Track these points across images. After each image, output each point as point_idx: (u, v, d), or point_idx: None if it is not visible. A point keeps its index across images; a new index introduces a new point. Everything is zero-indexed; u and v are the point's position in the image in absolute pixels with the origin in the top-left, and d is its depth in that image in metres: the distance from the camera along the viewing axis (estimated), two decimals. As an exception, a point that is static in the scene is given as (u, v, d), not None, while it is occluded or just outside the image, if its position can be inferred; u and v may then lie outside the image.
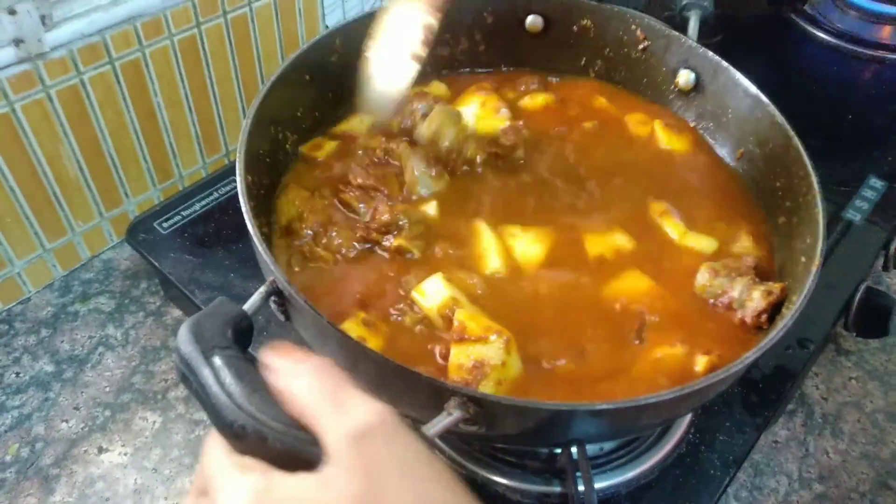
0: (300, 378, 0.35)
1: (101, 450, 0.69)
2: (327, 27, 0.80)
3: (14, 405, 0.72)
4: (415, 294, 0.55)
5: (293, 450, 0.34)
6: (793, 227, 0.61)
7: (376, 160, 0.65)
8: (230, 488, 0.33)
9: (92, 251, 0.85)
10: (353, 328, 0.53)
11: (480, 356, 0.50)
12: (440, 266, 0.58)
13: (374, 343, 0.53)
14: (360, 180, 0.63)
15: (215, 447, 0.36)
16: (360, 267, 0.59)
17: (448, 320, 0.53)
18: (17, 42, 0.67)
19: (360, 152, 0.67)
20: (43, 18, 0.68)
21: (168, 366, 0.76)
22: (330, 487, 0.31)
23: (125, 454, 0.69)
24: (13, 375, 0.74)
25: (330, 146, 0.69)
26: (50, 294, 0.82)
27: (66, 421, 0.71)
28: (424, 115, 0.65)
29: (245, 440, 0.35)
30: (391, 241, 0.59)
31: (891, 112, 0.92)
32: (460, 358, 0.50)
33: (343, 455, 0.32)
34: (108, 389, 0.74)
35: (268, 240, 0.59)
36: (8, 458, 0.68)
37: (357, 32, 0.70)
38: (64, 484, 0.67)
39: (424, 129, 0.64)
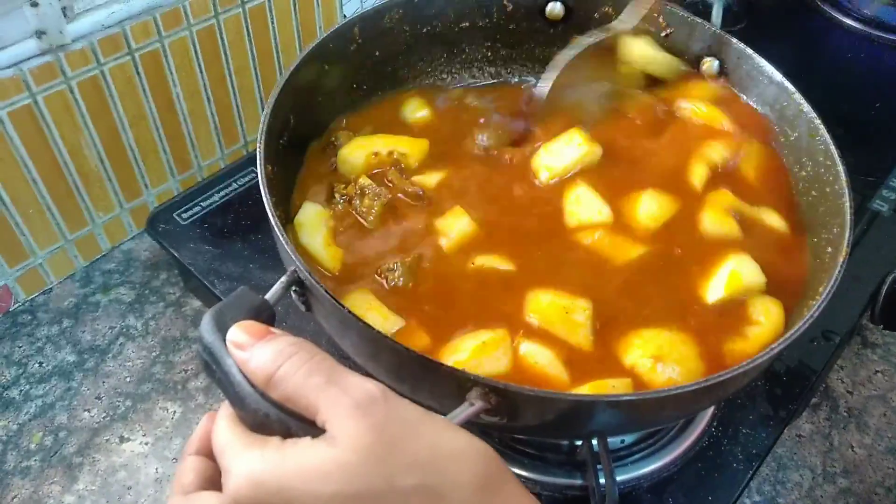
0: (291, 360, 0.34)
1: (122, 439, 0.70)
2: (345, 16, 0.79)
3: (38, 394, 0.73)
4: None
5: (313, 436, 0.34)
6: (819, 217, 0.60)
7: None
8: (243, 460, 0.33)
9: (112, 242, 0.86)
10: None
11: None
12: None
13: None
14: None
15: (227, 420, 0.36)
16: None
17: None
18: (39, 34, 0.68)
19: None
20: (64, 10, 0.69)
21: (188, 356, 0.76)
22: (343, 445, 0.32)
23: (146, 444, 0.70)
24: (36, 365, 0.75)
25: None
26: (72, 285, 0.82)
27: (89, 410, 0.72)
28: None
29: (268, 429, 0.35)
30: None
31: (919, 100, 0.90)
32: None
33: (351, 423, 0.32)
34: (128, 379, 0.74)
35: (286, 227, 0.59)
36: (32, 446, 0.69)
37: (375, 21, 0.69)
38: (87, 472, 0.67)
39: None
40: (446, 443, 0.34)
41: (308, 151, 0.67)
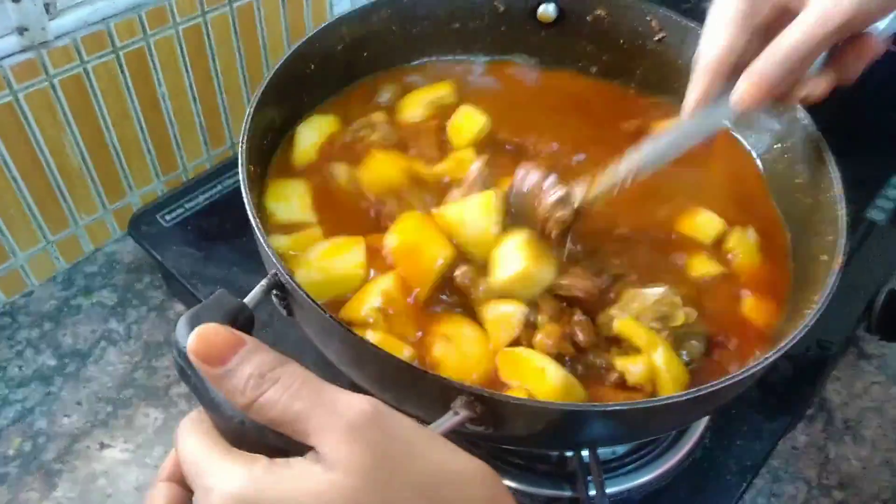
0: (274, 387, 0.32)
1: (102, 445, 0.68)
2: (335, 16, 0.78)
3: (17, 399, 0.71)
4: None
5: (292, 447, 0.32)
6: (814, 225, 0.59)
7: None
8: (227, 477, 0.31)
9: (95, 244, 0.84)
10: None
11: None
12: None
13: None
14: None
15: (199, 434, 0.33)
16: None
17: None
18: (21, 30, 0.66)
19: None
20: (47, 6, 0.67)
21: (170, 361, 0.75)
22: (340, 469, 0.30)
23: (127, 450, 0.68)
24: (16, 369, 0.73)
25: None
26: (53, 287, 0.81)
27: (69, 416, 0.70)
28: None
29: (244, 436, 0.33)
30: None
31: (915, 109, 0.90)
32: None
33: (345, 447, 0.30)
34: (110, 385, 0.73)
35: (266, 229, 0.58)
36: (10, 452, 0.67)
37: (363, 20, 0.68)
38: (66, 479, 0.66)
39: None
40: (447, 464, 0.32)
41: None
